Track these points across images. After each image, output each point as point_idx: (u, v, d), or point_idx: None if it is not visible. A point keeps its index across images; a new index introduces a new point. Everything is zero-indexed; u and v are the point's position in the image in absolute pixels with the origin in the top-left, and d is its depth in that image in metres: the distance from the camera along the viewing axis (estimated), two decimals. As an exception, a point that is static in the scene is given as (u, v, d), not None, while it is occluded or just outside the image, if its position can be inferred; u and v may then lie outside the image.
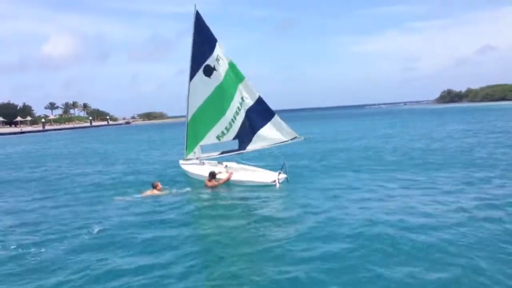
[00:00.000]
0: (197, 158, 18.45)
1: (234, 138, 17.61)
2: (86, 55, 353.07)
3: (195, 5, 17.35)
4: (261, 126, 16.97)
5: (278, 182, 15.16)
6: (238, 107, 17.14)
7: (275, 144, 16.95)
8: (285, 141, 16.83)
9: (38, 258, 8.47)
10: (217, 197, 14.34)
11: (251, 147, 17.34)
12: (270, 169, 16.38)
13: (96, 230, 10.24)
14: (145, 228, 10.44)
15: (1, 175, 23.02)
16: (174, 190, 15.16)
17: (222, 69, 17.07)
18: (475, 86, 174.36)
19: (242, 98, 17.02)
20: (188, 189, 15.44)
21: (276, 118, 16.89)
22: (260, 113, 16.96)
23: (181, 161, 19.53)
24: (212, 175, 15.76)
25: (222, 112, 17.39)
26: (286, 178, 15.54)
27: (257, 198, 13.66)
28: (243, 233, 10.07)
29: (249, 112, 17.02)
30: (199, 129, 18.09)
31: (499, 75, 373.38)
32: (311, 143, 24.85)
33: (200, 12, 17.29)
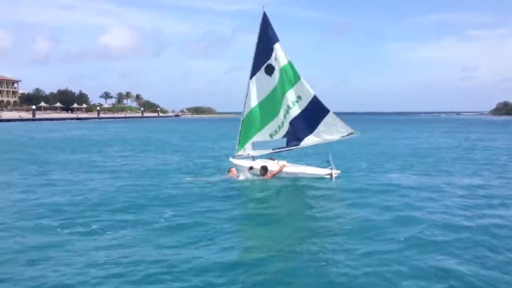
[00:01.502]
0: (248, 155, 18.84)
1: (284, 136, 18.12)
2: (142, 48, 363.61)
3: (263, 6, 17.96)
4: (317, 124, 17.46)
5: (333, 175, 16.08)
6: (289, 106, 17.64)
7: (331, 140, 17.52)
8: (342, 137, 17.35)
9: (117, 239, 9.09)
10: (273, 187, 15.11)
11: (305, 143, 17.83)
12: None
13: (167, 214, 11.03)
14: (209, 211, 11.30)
15: (76, 157, 24.70)
16: (245, 175, 16.62)
17: (279, 68, 17.61)
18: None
19: (298, 97, 17.51)
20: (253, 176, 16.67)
21: (331, 114, 17.34)
22: (315, 112, 17.42)
23: (231, 158, 19.78)
24: (265, 169, 16.62)
25: (277, 110, 17.92)
26: (339, 174, 16.37)
27: (313, 190, 14.65)
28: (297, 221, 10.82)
29: (304, 110, 17.50)
30: (254, 125, 18.50)
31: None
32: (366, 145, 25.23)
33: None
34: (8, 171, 19.01)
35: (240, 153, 18.99)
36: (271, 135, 18.28)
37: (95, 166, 21.00)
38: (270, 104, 18.03)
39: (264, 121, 18.26)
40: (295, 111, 17.66)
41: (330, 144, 17.70)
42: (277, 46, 17.69)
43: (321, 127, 17.48)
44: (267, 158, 18.65)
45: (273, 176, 16.62)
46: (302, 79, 17.51)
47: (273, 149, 18.43)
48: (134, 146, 33.09)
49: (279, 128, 18.06)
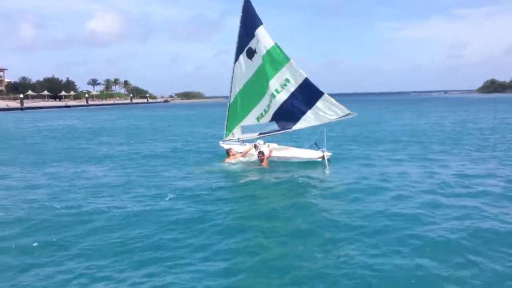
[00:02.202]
0: (238, 139, 18.97)
1: (272, 120, 18.15)
2: (129, 33, 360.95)
3: None
4: (311, 106, 17.31)
5: (325, 158, 16.08)
6: (277, 89, 17.52)
7: (327, 121, 17.28)
8: (338, 118, 17.13)
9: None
10: (268, 176, 14.88)
11: (298, 126, 17.73)
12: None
13: (169, 196, 11.64)
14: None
15: (71, 148, 24.36)
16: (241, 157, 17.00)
17: (261, 51, 17.53)
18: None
19: (286, 79, 17.38)
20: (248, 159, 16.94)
21: (326, 96, 17.14)
22: (308, 94, 17.29)
23: (220, 142, 20.02)
24: (227, 153, 17.24)
25: (262, 93, 17.95)
26: (330, 156, 16.43)
27: (305, 175, 14.64)
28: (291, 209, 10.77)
29: (295, 93, 17.38)
30: (240, 110, 18.62)
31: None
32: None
33: None
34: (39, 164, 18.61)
35: (228, 138, 19.17)
36: (257, 118, 18.39)
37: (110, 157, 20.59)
38: (254, 88, 18.08)
39: (250, 105, 18.36)
40: (285, 93, 17.54)
41: (316, 127, 17.58)
42: (260, 30, 17.59)
43: (315, 109, 17.30)
44: (257, 142, 18.36)
45: (239, 157, 16.91)
46: (291, 60, 17.36)
47: (260, 133, 18.44)
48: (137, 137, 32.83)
49: (265, 111, 18.10)
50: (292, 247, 7.96)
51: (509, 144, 21.80)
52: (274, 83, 17.64)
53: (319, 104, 17.22)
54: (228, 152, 17.31)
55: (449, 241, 8.04)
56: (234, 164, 16.72)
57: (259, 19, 17.79)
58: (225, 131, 19.29)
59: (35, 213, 10.30)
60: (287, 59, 17.41)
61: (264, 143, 18.25)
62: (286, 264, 7.23)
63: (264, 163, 16.29)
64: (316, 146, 16.93)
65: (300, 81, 17.37)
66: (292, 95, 17.50)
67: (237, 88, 18.57)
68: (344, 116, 17.09)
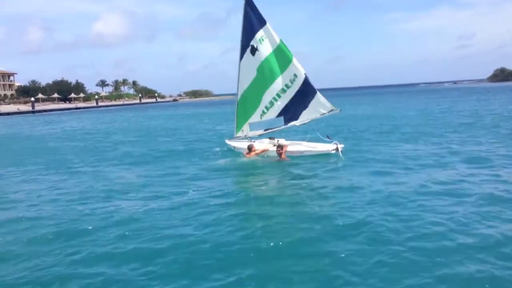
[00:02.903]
0: (245, 136, 19.28)
1: (279, 116, 18.56)
2: (135, 34, 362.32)
3: None
4: (310, 101, 18.02)
5: (339, 150, 16.44)
6: (287, 85, 18.05)
7: (319, 116, 18.05)
8: (323, 114, 18.00)
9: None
10: (282, 168, 15.41)
11: (299, 121, 18.37)
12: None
13: (190, 193, 11.89)
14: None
15: (97, 149, 24.47)
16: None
17: (265, 48, 17.98)
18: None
19: (295, 75, 17.89)
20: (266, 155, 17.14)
21: (318, 93, 17.97)
22: (307, 90, 17.95)
23: (227, 140, 20.57)
24: (249, 148, 17.24)
25: (264, 90, 18.41)
26: (343, 148, 16.71)
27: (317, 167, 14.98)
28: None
29: (299, 90, 17.99)
30: (248, 107, 19.00)
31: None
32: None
33: None
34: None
35: (238, 134, 19.56)
36: (260, 116, 18.80)
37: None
38: (259, 85, 18.50)
39: (256, 102, 18.73)
40: (293, 89, 18.10)
41: (318, 121, 18.32)
42: (266, 27, 17.98)
43: (311, 105, 18.01)
44: (267, 138, 18.95)
45: (259, 153, 17.03)
46: (294, 58, 17.91)
47: (265, 129, 18.90)
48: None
49: (267, 108, 18.57)
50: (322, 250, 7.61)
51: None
52: (283, 79, 18.12)
53: (314, 100, 17.98)
54: (249, 148, 17.34)
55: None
56: (254, 159, 16.92)
57: (261, 17, 18.12)
58: (235, 129, 19.68)
59: (59, 212, 10.60)
60: (292, 56, 17.93)
61: (273, 138, 18.61)
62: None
63: (283, 156, 16.43)
64: (328, 138, 17.16)
65: (302, 78, 17.95)
66: (299, 91, 18.07)
67: (244, 85, 18.92)
68: (329, 112, 17.98)
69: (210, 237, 8.30)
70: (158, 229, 8.95)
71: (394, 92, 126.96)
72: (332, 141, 16.92)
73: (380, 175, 13.21)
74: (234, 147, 19.36)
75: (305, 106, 18.11)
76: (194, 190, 12.19)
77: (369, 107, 57.00)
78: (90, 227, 9.26)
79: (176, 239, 8.28)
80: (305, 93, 17.97)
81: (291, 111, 18.33)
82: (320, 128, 18.41)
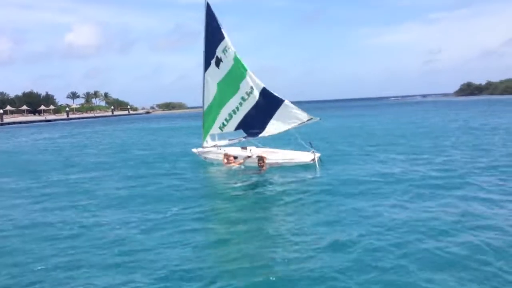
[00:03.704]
0: (215, 146, 19.32)
1: (237, 128, 18.67)
2: (108, 45, 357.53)
3: None
4: (274, 113, 17.84)
5: (317, 160, 16.38)
6: (243, 97, 18.04)
7: (291, 127, 17.82)
8: (301, 123, 17.75)
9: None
10: (256, 178, 15.46)
11: (267, 133, 18.18)
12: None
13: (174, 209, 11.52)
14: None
15: (84, 162, 23.21)
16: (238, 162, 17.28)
17: (228, 60, 17.97)
18: (501, 78, 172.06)
19: (251, 87, 17.89)
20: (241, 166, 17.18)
21: (286, 103, 17.77)
22: (268, 102, 17.84)
23: (193, 150, 20.65)
24: (227, 157, 17.49)
25: (225, 103, 18.50)
26: (320, 158, 16.66)
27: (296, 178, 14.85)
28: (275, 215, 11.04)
29: (258, 102, 17.93)
30: (210, 118, 19.13)
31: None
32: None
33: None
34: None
35: (204, 145, 19.68)
36: (220, 128, 18.87)
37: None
38: (220, 96, 18.56)
39: (216, 114, 18.80)
40: (249, 103, 18.08)
41: (283, 133, 18.11)
42: (226, 38, 17.93)
43: (279, 116, 17.83)
44: (238, 147, 19.01)
45: (240, 164, 17.11)
46: (248, 70, 17.86)
47: (229, 139, 19.00)
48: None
49: (226, 121, 18.60)
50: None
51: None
52: (240, 92, 18.12)
53: (281, 111, 17.77)
54: (227, 157, 17.47)
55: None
56: (232, 168, 16.97)
57: (220, 27, 18.04)
58: (202, 139, 19.81)
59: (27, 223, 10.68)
60: (246, 69, 17.90)
61: (244, 148, 18.68)
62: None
63: (264, 168, 16.33)
64: (310, 145, 17.02)
65: (260, 89, 17.89)
66: (256, 104, 18.01)
67: (210, 98, 18.98)
68: (307, 121, 17.70)
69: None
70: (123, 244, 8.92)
71: (368, 106, 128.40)
72: (311, 150, 16.77)
73: (357, 190, 12.88)
74: (205, 157, 19.39)
75: (270, 118, 17.93)
76: (168, 207, 11.77)
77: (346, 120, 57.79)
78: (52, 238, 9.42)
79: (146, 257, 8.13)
80: (265, 105, 17.86)
81: (250, 124, 18.30)
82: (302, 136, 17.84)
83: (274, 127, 18.04)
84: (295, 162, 16.82)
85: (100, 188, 15.09)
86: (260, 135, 18.43)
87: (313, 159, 16.46)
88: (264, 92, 17.91)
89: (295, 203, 11.89)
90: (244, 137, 18.78)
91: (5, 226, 10.69)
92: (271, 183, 14.58)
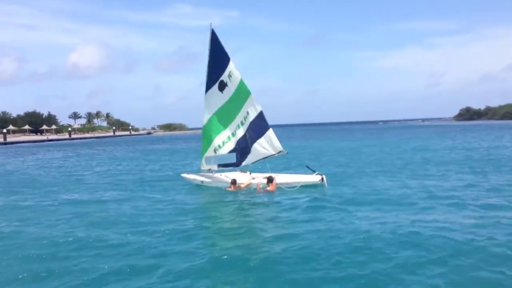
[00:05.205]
0: (209, 170, 19.35)
1: (231, 151, 18.67)
2: (111, 66, 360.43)
3: (210, 23, 18.26)
4: (256, 140, 18.07)
5: (324, 180, 16.85)
6: (242, 121, 18.18)
7: (263, 158, 18.04)
8: (272, 155, 17.95)
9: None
10: (267, 199, 15.63)
11: (245, 162, 18.51)
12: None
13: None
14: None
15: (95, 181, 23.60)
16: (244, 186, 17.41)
17: (233, 85, 18.04)
18: (501, 103, 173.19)
19: (247, 112, 18.00)
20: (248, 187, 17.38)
21: (270, 131, 17.92)
22: (258, 127, 17.99)
23: (182, 175, 20.75)
24: (233, 182, 17.44)
25: (224, 126, 18.59)
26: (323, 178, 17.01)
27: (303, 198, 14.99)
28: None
29: (251, 125, 18.06)
30: (207, 141, 19.13)
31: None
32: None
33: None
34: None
35: (202, 168, 19.66)
36: (215, 150, 18.87)
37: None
38: (219, 120, 18.70)
39: (213, 136, 18.86)
40: (244, 126, 18.23)
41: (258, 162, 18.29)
42: (231, 64, 18.00)
43: (258, 143, 18.02)
44: (239, 171, 19.01)
45: (245, 187, 17.23)
46: (251, 94, 17.94)
47: (219, 165, 19.06)
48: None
49: (223, 143, 18.65)
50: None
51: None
52: (238, 117, 18.29)
53: (262, 139, 17.96)
54: (233, 182, 17.40)
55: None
56: (238, 192, 17.01)
57: (226, 53, 18.19)
58: (200, 162, 19.87)
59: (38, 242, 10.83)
60: (249, 93, 17.98)
61: (246, 172, 18.73)
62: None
63: (273, 188, 16.58)
64: (310, 169, 17.51)
65: (255, 114, 17.97)
66: (249, 128, 18.14)
67: (206, 119, 19.05)
68: (277, 154, 17.94)
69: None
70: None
71: (373, 129, 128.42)
72: (315, 172, 17.14)
73: (363, 210, 13.07)
74: (202, 181, 19.23)
75: (251, 143, 18.13)
76: (171, 226, 11.99)
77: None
78: (60, 254, 9.80)
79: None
80: (253, 131, 17.99)
81: (241, 148, 18.45)
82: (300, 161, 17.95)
83: (250, 157, 18.35)
84: (304, 182, 17.03)
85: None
86: (240, 165, 18.73)
87: (322, 179, 16.92)
88: (259, 116, 18.00)
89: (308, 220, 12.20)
90: (233, 164, 18.91)
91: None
92: (279, 202, 14.92)
